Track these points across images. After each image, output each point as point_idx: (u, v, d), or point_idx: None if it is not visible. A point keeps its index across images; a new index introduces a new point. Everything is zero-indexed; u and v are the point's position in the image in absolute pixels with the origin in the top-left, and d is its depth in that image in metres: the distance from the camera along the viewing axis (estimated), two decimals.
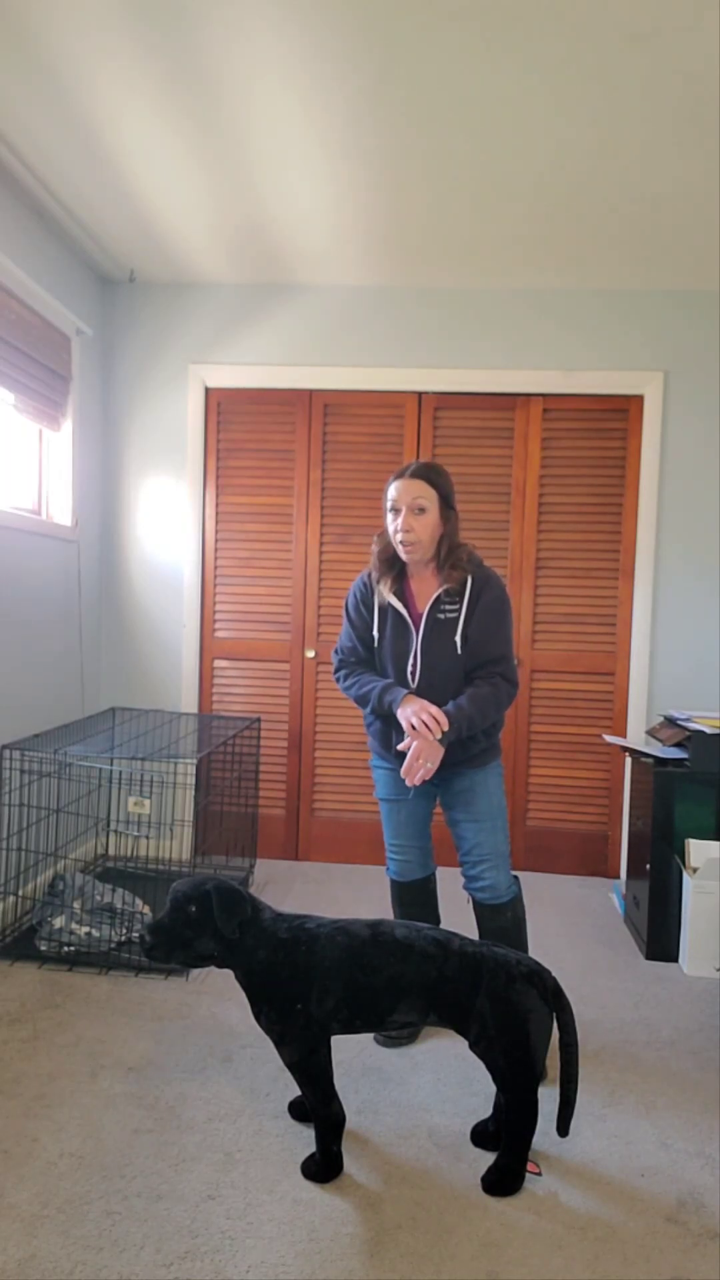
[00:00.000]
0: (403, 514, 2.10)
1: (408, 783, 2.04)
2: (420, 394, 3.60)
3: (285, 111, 2.34)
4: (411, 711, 2.03)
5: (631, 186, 2.66)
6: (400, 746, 2.07)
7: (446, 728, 2.01)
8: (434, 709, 2.02)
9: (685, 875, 2.78)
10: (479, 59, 2.09)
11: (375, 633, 2.20)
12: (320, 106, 2.31)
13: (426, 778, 2.04)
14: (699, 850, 2.79)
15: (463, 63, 2.11)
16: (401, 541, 2.11)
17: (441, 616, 2.13)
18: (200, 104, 2.32)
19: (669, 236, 2.99)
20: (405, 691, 2.11)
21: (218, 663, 3.76)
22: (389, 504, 2.14)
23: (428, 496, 2.10)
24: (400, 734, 2.14)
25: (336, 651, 2.30)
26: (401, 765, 2.19)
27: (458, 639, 2.12)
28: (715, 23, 1.94)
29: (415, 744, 2.02)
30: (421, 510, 2.10)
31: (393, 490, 2.13)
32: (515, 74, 2.14)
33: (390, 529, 2.15)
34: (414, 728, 2.02)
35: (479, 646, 2.12)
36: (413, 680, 2.15)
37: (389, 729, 2.20)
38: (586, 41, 2.01)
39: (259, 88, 2.24)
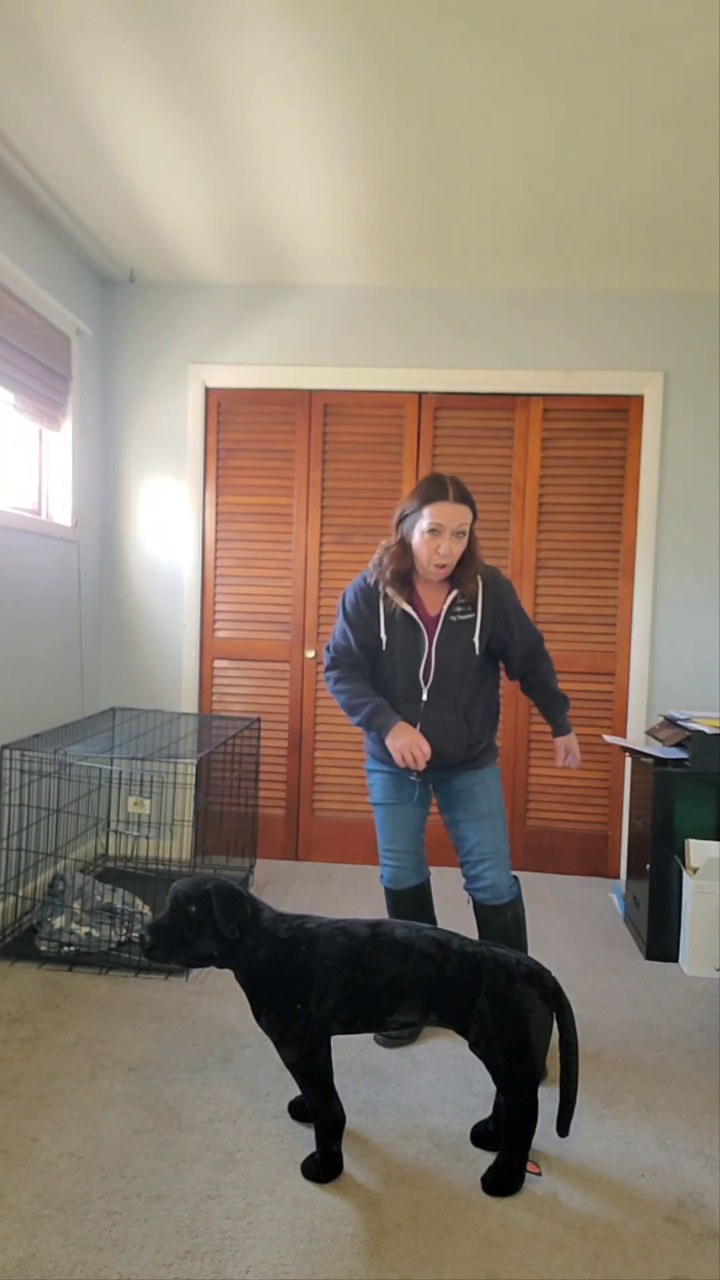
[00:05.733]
0: (446, 538, 2.09)
1: (414, 766, 2.10)
2: (420, 394, 3.60)
3: (285, 111, 2.34)
4: (404, 744, 2.09)
5: (631, 186, 2.66)
6: (400, 765, 2.13)
7: (425, 766, 2.10)
8: (425, 746, 2.08)
9: (685, 875, 2.78)
10: (478, 58, 2.09)
11: (384, 635, 2.18)
12: (320, 106, 2.31)
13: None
14: (699, 850, 2.79)
15: (462, 62, 2.11)
16: (436, 564, 2.11)
17: (455, 619, 2.15)
18: (200, 104, 2.32)
19: (669, 237, 2.99)
20: (398, 719, 2.13)
21: (218, 663, 3.76)
22: (428, 525, 2.08)
23: (468, 521, 2.11)
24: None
25: (329, 649, 2.26)
26: (406, 770, 2.21)
27: (475, 640, 2.15)
28: (715, 23, 1.94)
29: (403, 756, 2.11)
30: (463, 534, 2.11)
31: (437, 514, 2.07)
32: (514, 73, 2.14)
33: (423, 549, 2.10)
34: (403, 760, 2.09)
35: (522, 639, 2.24)
36: (425, 682, 2.15)
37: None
38: (586, 41, 2.01)
39: (258, 87, 2.24)
